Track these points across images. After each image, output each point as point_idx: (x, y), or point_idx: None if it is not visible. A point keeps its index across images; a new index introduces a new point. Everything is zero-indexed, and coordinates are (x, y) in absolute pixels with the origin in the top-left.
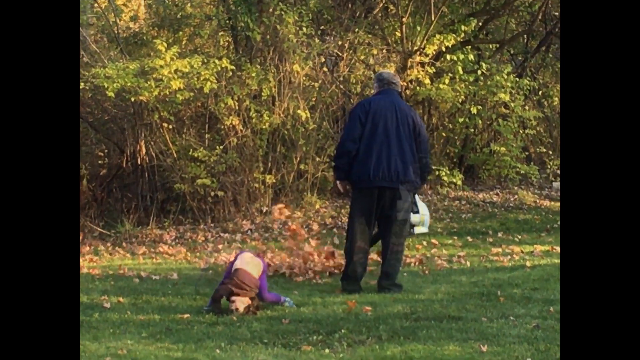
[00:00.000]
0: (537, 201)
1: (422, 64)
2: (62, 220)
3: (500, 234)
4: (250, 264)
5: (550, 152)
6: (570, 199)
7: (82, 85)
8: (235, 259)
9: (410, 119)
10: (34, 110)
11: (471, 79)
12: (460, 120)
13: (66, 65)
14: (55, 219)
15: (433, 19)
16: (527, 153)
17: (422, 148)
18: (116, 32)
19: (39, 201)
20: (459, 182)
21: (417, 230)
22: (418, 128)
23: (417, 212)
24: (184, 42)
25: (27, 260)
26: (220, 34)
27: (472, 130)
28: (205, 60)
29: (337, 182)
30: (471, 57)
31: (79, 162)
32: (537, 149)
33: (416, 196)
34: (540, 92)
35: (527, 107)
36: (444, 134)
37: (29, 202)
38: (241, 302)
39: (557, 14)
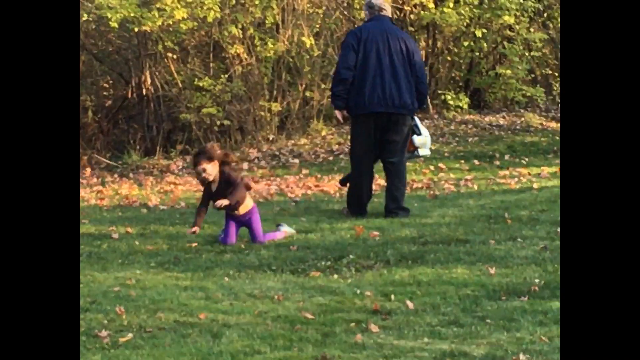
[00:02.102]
0: (544, 123)
1: None
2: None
3: (507, 157)
4: None
5: (556, 74)
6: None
7: (85, 16)
8: None
9: (403, 43)
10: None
11: (475, 2)
12: (465, 43)
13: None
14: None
15: None
16: (533, 75)
17: (418, 73)
18: None
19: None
20: (465, 106)
21: (421, 152)
22: (412, 53)
23: (420, 134)
24: None
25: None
26: None
27: (478, 53)
28: None
29: (335, 110)
30: None
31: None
32: (543, 71)
33: (416, 118)
34: (545, 14)
35: (532, 29)
36: (449, 58)
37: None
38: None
39: None
